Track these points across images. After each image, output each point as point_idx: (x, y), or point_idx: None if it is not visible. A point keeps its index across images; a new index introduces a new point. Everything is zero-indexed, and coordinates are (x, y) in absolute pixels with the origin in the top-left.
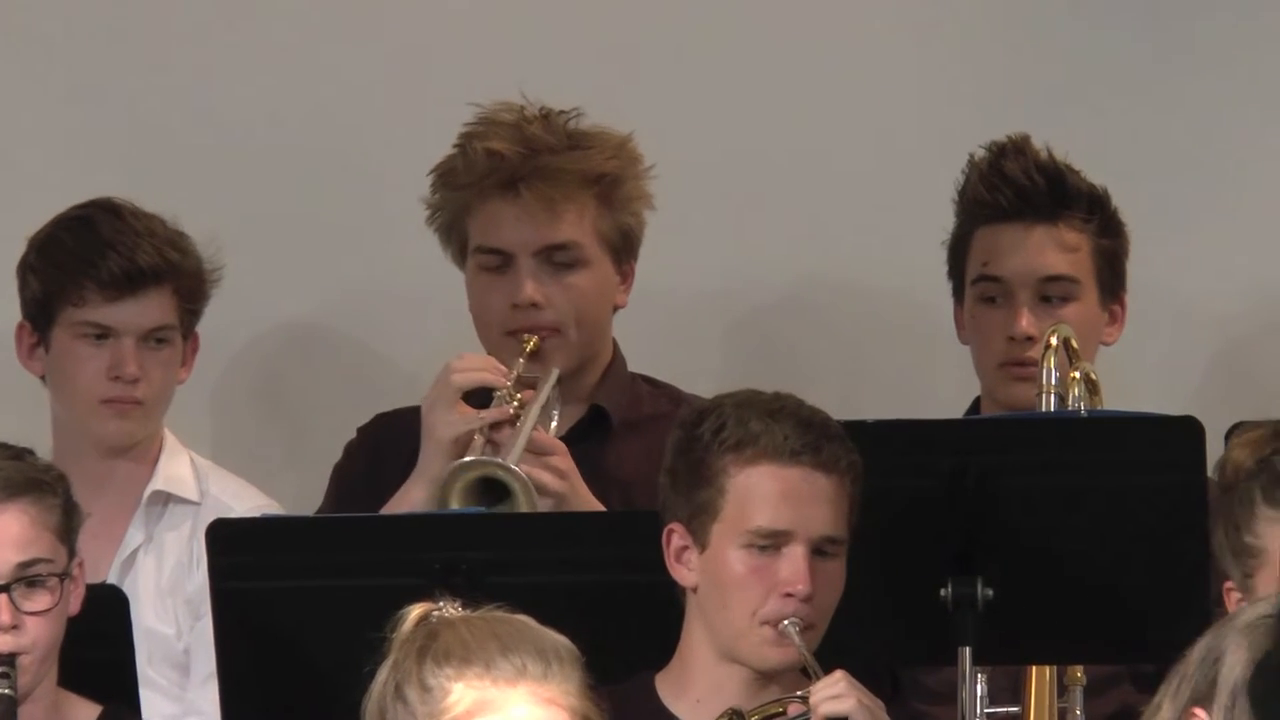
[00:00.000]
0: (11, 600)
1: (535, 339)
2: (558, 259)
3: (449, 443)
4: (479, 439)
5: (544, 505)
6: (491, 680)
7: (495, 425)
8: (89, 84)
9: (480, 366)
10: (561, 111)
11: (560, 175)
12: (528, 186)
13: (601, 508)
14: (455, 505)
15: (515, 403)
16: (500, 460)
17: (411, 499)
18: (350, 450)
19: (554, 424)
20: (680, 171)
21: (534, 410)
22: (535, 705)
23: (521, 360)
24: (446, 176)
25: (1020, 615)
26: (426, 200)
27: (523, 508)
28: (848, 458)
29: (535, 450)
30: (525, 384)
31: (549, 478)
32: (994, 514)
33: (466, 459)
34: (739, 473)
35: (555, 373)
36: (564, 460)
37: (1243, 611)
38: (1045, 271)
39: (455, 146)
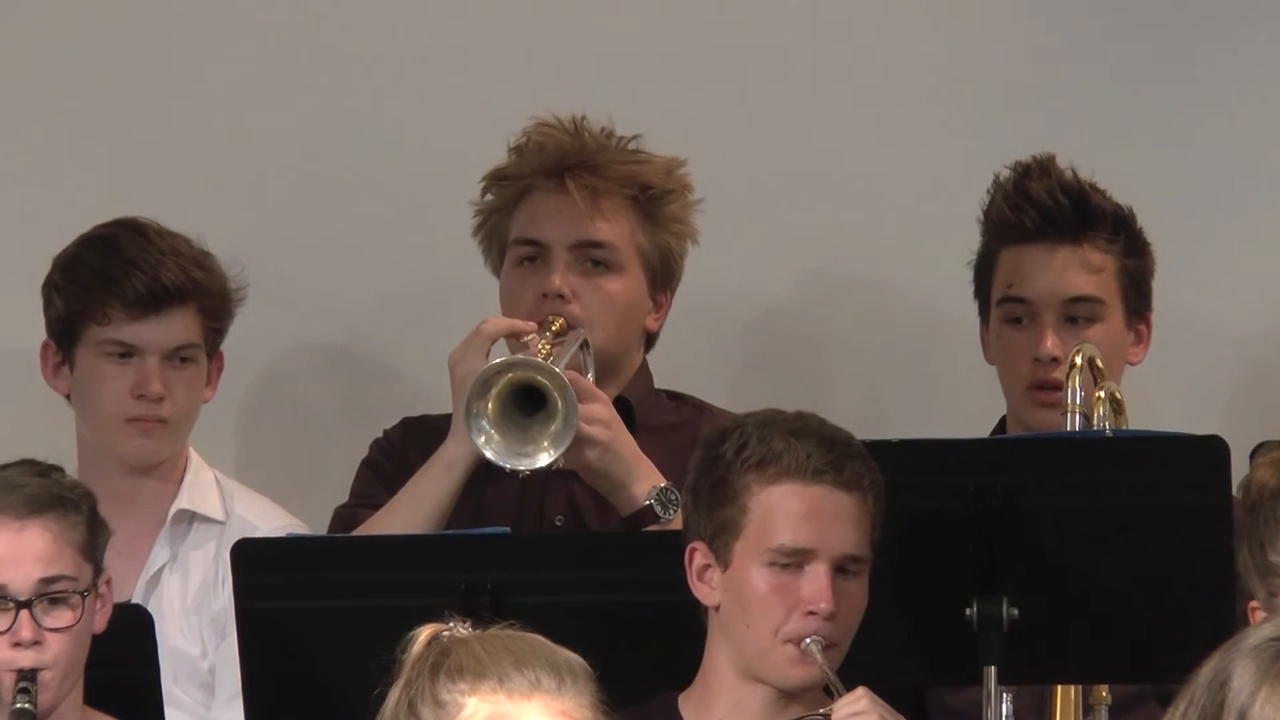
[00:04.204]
0: (34, 616)
1: (561, 319)
2: (593, 258)
3: None
4: None
5: (589, 454)
6: (506, 694)
7: None
8: (114, 103)
9: (511, 320)
10: (622, 136)
11: (607, 171)
12: (573, 177)
13: (645, 459)
14: (490, 408)
15: (546, 350)
16: (539, 361)
17: (447, 456)
18: (380, 446)
19: None
20: (701, 189)
21: (567, 355)
22: (550, 718)
23: (549, 335)
24: (498, 173)
25: (1045, 635)
26: (474, 203)
27: (559, 412)
28: (870, 476)
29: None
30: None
31: (594, 428)
32: (1019, 534)
33: (501, 360)
34: (761, 491)
35: (584, 335)
36: (606, 408)
37: (1249, 634)
38: (1070, 292)
39: (511, 150)
